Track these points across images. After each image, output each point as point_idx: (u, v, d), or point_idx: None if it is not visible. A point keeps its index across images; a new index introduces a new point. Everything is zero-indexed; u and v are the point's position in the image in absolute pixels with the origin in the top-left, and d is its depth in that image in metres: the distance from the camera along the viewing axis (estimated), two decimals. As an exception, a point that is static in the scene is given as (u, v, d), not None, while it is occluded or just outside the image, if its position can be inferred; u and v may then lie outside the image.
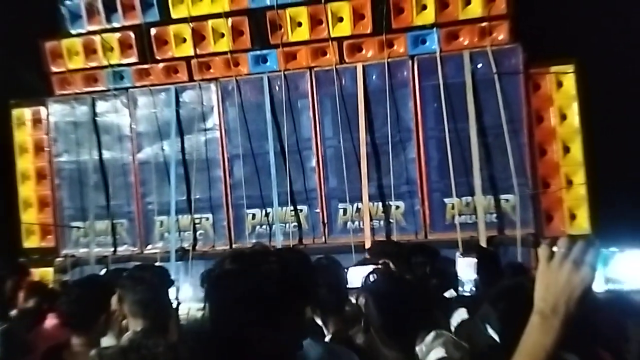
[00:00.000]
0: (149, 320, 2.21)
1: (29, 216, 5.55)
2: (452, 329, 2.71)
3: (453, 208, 4.54)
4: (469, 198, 4.52)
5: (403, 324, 1.96)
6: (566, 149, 4.49)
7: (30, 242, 5.52)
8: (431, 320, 2.22)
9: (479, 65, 4.57)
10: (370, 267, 2.84)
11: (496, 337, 2.03)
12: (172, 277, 2.61)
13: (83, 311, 2.30)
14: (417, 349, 2.07)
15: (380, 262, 3.08)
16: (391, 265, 3.00)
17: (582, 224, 4.33)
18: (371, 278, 2.43)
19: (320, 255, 2.84)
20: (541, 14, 4.55)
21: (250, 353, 1.21)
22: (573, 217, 4.40)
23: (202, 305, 1.25)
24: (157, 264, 4.11)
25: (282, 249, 1.37)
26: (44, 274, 5.13)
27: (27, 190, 5.56)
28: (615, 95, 4.32)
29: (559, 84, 4.52)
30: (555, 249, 1.09)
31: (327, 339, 2.55)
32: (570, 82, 4.48)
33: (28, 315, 3.13)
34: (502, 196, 4.49)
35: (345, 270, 3.12)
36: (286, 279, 1.22)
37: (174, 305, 2.51)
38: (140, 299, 2.24)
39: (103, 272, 4.47)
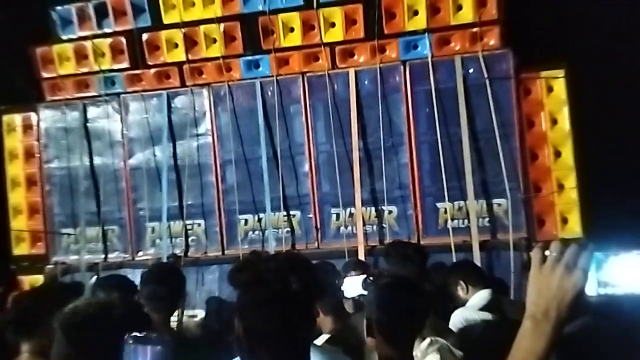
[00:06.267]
0: None
1: (19, 223, 5.49)
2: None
3: (446, 212, 4.55)
4: (462, 202, 4.53)
5: (407, 325, 1.96)
6: (557, 153, 4.51)
7: (20, 249, 5.46)
8: (431, 320, 2.22)
9: (471, 70, 4.60)
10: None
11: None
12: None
13: (29, 315, 2.25)
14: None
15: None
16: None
17: (574, 228, 4.34)
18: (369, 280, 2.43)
19: (314, 260, 2.84)
20: (531, 20, 4.60)
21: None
22: (565, 221, 4.41)
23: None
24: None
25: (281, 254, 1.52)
26: (34, 281, 5.08)
27: (17, 197, 5.50)
28: (606, 99, 4.36)
29: (550, 89, 4.54)
30: (547, 252, 1.08)
31: (323, 338, 2.55)
32: (560, 86, 4.51)
33: None
34: (494, 200, 4.50)
35: (340, 274, 3.13)
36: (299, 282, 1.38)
37: None
38: None
39: (93, 279, 4.45)
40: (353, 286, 2.91)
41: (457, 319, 3.03)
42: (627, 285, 4.03)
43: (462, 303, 3.27)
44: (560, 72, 4.50)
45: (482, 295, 3.26)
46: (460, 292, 3.29)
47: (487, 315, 3.04)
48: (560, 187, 4.45)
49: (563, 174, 4.46)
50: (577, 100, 4.47)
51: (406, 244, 3.72)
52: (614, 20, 4.49)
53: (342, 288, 2.99)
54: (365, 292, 2.74)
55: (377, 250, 4.45)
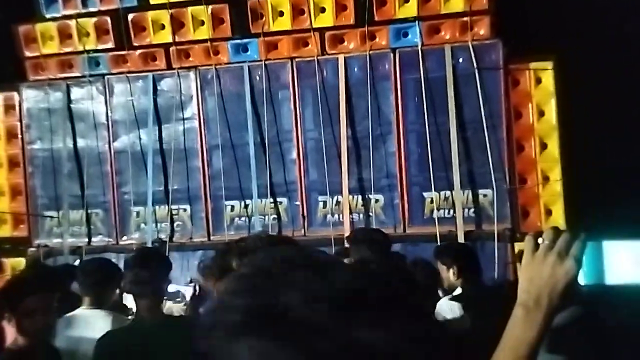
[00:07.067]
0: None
1: (1, 205, 5.40)
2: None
3: (432, 202, 4.57)
4: (448, 192, 4.55)
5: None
6: (543, 145, 4.53)
7: (2, 231, 5.38)
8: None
9: (460, 60, 4.58)
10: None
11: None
12: None
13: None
14: None
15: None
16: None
17: (558, 219, 4.38)
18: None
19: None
20: (521, 11, 4.58)
21: None
22: (549, 213, 4.46)
23: None
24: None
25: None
26: (16, 264, 5.03)
27: (-2, 178, 5.42)
28: (593, 92, 4.37)
29: (538, 80, 4.55)
30: (540, 240, 1.08)
31: None
32: (548, 78, 4.52)
33: None
34: (480, 191, 4.53)
35: None
36: None
37: None
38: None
39: (77, 263, 4.41)
40: None
41: (443, 310, 3.03)
42: (614, 275, 4.10)
43: (450, 287, 3.27)
44: (549, 64, 4.51)
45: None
46: (451, 277, 3.27)
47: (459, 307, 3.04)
48: (546, 179, 4.49)
49: (548, 166, 4.50)
50: (565, 92, 4.48)
51: (370, 229, 3.72)
52: (604, 13, 4.50)
53: None
54: None
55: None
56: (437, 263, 3.40)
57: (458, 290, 3.25)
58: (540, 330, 1.05)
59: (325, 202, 4.76)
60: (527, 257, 1.08)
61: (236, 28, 4.93)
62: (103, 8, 5.11)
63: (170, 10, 4.94)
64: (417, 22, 4.61)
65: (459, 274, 3.25)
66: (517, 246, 4.19)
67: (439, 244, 4.11)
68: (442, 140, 4.56)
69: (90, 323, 2.80)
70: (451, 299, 3.13)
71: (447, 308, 3.05)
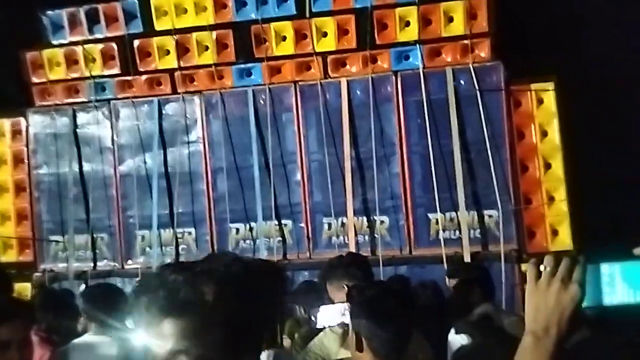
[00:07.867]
0: None
1: (7, 230, 5.42)
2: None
3: (437, 223, 4.56)
4: (453, 213, 4.55)
5: (398, 337, 1.95)
6: (547, 165, 4.54)
7: (8, 256, 5.39)
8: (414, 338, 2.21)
9: (461, 82, 4.63)
10: (341, 307, 2.68)
11: None
12: None
13: None
14: None
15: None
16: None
17: (565, 239, 4.37)
18: (354, 292, 2.38)
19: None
20: (522, 32, 4.64)
21: None
22: (555, 233, 4.44)
23: None
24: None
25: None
26: (21, 289, 5.01)
27: (5, 203, 5.44)
28: (595, 111, 4.40)
29: (540, 101, 4.58)
30: (542, 268, 1.08)
31: None
32: (550, 99, 4.55)
33: None
34: (486, 212, 4.52)
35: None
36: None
37: None
38: None
39: (82, 287, 4.41)
40: (330, 315, 2.80)
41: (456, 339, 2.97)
42: (619, 296, 4.07)
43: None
44: (550, 85, 4.54)
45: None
46: (475, 298, 3.23)
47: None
48: (551, 199, 4.49)
49: (553, 186, 4.50)
50: (567, 112, 4.51)
51: (350, 254, 3.71)
52: (604, 34, 4.55)
53: (317, 316, 2.87)
54: (345, 320, 2.62)
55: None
56: (449, 282, 3.37)
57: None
58: (550, 357, 1.05)
59: (330, 224, 4.76)
60: (530, 285, 1.09)
61: (240, 53, 5.00)
62: (109, 34, 5.20)
63: (175, 36, 5.02)
64: (418, 45, 4.66)
65: (482, 296, 3.22)
66: (524, 267, 4.17)
67: (448, 265, 4.09)
68: (446, 161, 4.58)
69: (96, 350, 2.78)
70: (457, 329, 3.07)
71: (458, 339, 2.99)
